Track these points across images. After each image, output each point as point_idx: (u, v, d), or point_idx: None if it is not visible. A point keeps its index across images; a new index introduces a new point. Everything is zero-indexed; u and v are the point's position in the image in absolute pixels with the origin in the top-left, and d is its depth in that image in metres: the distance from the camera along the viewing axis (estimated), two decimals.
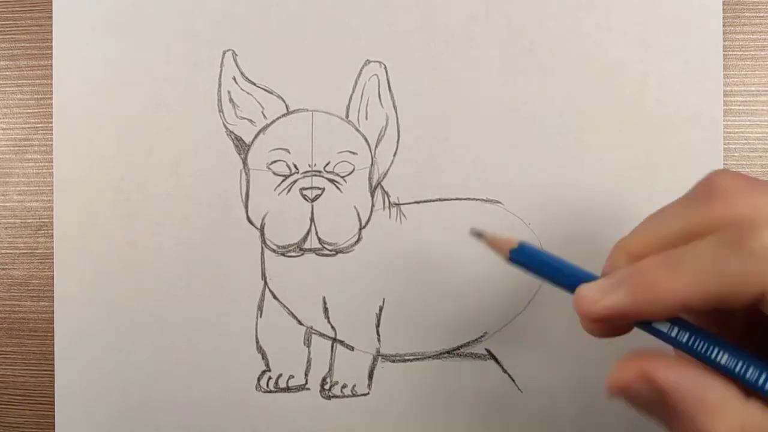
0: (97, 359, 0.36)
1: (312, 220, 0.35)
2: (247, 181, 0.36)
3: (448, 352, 0.36)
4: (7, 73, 0.38)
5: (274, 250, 0.36)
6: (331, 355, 0.36)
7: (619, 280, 0.22)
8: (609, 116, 0.36)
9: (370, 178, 0.36)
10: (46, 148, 0.37)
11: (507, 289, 0.36)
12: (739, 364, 0.21)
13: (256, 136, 0.36)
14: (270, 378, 0.36)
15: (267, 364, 0.36)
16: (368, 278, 0.36)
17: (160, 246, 0.36)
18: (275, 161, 0.36)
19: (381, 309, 0.36)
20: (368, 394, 0.36)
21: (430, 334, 0.36)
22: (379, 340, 0.36)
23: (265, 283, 0.36)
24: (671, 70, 0.35)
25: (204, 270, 0.36)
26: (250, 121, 0.36)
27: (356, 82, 0.36)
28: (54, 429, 0.37)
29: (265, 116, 0.36)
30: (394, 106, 0.36)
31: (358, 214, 0.36)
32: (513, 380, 0.36)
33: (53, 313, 0.37)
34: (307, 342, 0.36)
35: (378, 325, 0.36)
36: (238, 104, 0.36)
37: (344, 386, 0.36)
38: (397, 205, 0.36)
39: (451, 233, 0.36)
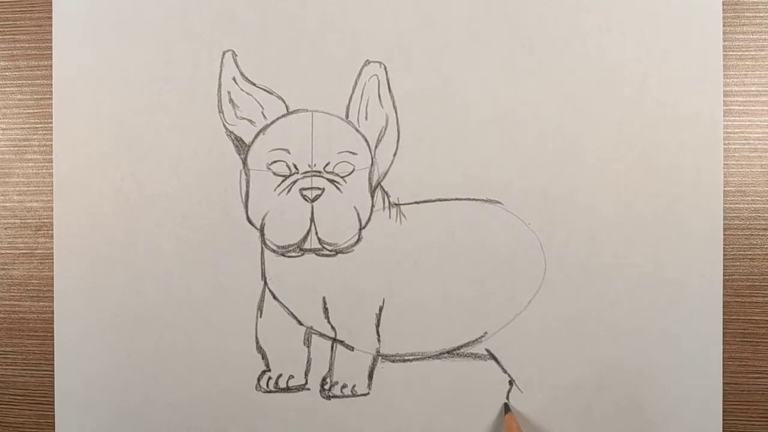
0: (97, 359, 0.37)
1: (312, 220, 0.35)
2: (247, 182, 0.36)
3: (448, 352, 0.36)
4: (7, 73, 0.38)
5: (274, 251, 0.36)
6: (331, 355, 0.36)
7: None
8: (609, 116, 0.35)
9: (370, 179, 0.36)
10: (46, 148, 0.37)
11: (507, 289, 0.36)
12: None
13: (256, 137, 0.36)
14: (270, 378, 0.36)
15: (267, 364, 0.36)
16: (368, 278, 0.36)
17: (160, 246, 0.36)
18: (275, 161, 0.36)
19: (381, 309, 0.36)
20: (368, 394, 0.36)
21: (430, 334, 0.36)
22: (379, 340, 0.36)
23: (265, 283, 0.36)
24: (671, 70, 0.35)
25: (204, 270, 0.36)
26: (250, 121, 0.36)
27: (356, 82, 0.36)
28: (54, 429, 0.37)
29: (265, 116, 0.36)
30: (394, 106, 0.36)
31: (358, 215, 0.36)
32: (513, 380, 0.36)
33: (53, 313, 0.37)
34: (307, 342, 0.36)
35: (378, 325, 0.36)
36: (238, 104, 0.36)
37: (344, 386, 0.36)
38: (397, 205, 0.36)
39: (451, 233, 0.36)
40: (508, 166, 0.36)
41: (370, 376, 0.36)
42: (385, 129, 0.36)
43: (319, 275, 0.36)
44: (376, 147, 0.36)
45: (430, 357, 0.36)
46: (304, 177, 0.36)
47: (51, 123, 0.37)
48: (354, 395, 0.36)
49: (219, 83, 0.36)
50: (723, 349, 0.35)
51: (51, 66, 0.37)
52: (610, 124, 0.35)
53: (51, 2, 0.37)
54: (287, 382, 0.36)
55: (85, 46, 0.37)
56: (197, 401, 0.36)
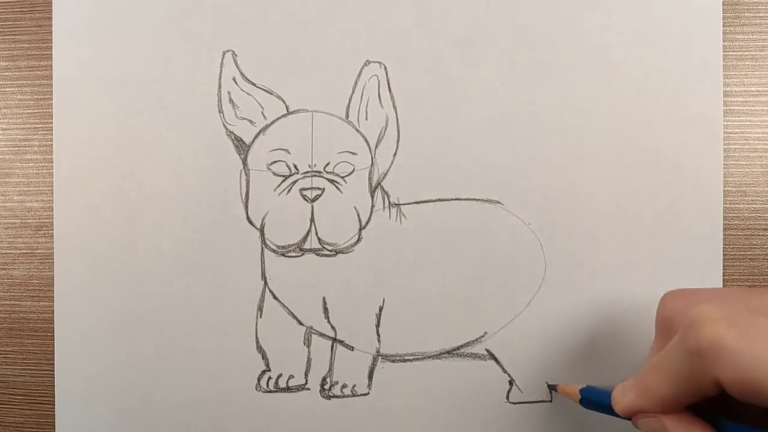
0: (97, 359, 0.37)
1: (312, 220, 0.35)
2: (247, 182, 0.36)
3: (448, 352, 0.36)
4: (7, 73, 0.38)
5: (274, 251, 0.36)
6: (331, 355, 0.36)
7: (631, 386, 0.28)
8: (609, 116, 0.36)
9: (370, 179, 0.36)
10: (46, 148, 0.37)
11: (507, 289, 0.36)
12: None
13: (256, 137, 0.36)
14: (270, 378, 0.36)
15: (267, 364, 0.36)
16: (368, 278, 0.36)
17: (160, 246, 0.36)
18: (275, 161, 0.36)
19: (381, 309, 0.36)
20: (368, 394, 0.36)
21: (430, 334, 0.36)
22: (379, 340, 0.36)
23: (265, 283, 0.36)
24: (671, 71, 0.35)
25: (204, 270, 0.36)
26: (250, 121, 0.36)
27: (356, 83, 0.36)
28: (54, 429, 0.37)
29: (265, 117, 0.36)
30: (394, 106, 0.36)
31: (358, 215, 0.36)
32: (513, 380, 0.36)
33: (53, 313, 0.37)
34: (307, 342, 0.36)
35: (378, 325, 0.36)
36: (238, 104, 0.36)
37: (344, 386, 0.36)
38: (397, 205, 0.36)
39: (451, 233, 0.36)
40: (508, 166, 0.36)
41: (370, 376, 0.36)
42: (385, 129, 0.36)
43: (319, 275, 0.36)
44: (376, 147, 0.36)
45: (430, 357, 0.36)
46: (304, 177, 0.36)
47: (51, 123, 0.37)
48: (354, 395, 0.36)
49: (219, 83, 0.36)
50: None
51: (51, 66, 0.37)
52: (610, 124, 0.35)
53: (51, 2, 0.37)
54: (287, 382, 0.36)
55: (85, 46, 0.37)
56: (197, 401, 0.36)
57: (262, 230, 0.36)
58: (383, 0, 0.36)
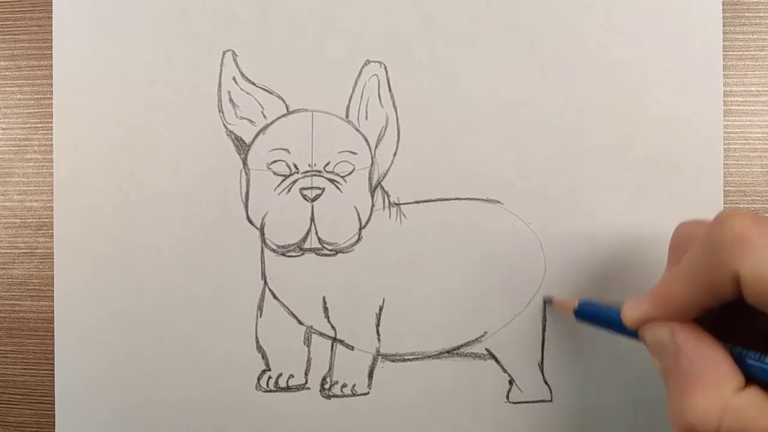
0: (97, 359, 0.36)
1: (312, 220, 0.35)
2: (247, 181, 0.36)
3: (448, 352, 0.36)
4: (7, 73, 0.38)
5: (274, 250, 0.36)
6: (331, 354, 0.36)
7: (646, 296, 0.27)
8: (609, 116, 0.36)
9: (370, 178, 0.36)
10: (46, 148, 0.37)
11: (507, 289, 0.36)
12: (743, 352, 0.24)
13: (256, 136, 0.36)
14: (270, 378, 0.36)
15: (267, 364, 0.36)
16: (368, 278, 0.36)
17: (160, 246, 0.36)
18: (275, 161, 0.36)
19: (381, 309, 0.36)
20: (368, 393, 0.36)
21: (430, 334, 0.36)
22: (379, 340, 0.36)
23: (265, 283, 0.36)
24: (671, 70, 0.35)
25: (204, 270, 0.36)
26: (250, 121, 0.36)
27: (356, 82, 0.36)
28: (54, 429, 0.37)
29: (265, 116, 0.36)
30: (394, 106, 0.36)
31: (358, 214, 0.36)
32: (513, 380, 0.36)
33: (53, 312, 0.37)
34: (307, 342, 0.36)
35: (378, 325, 0.36)
36: (238, 104, 0.36)
37: (344, 386, 0.36)
38: (397, 205, 0.36)
39: (451, 233, 0.36)
40: (508, 166, 0.36)
41: (370, 376, 0.36)
42: (385, 129, 0.36)
43: (319, 275, 0.36)
44: (376, 147, 0.36)
45: (430, 357, 0.36)
46: (304, 176, 0.36)
47: (51, 123, 0.37)
48: (354, 395, 0.36)
49: (219, 83, 0.36)
50: None
51: (51, 66, 0.37)
52: (610, 124, 0.36)
53: (51, 2, 0.37)
54: (287, 382, 0.36)
55: (85, 46, 0.37)
56: (197, 401, 0.36)
57: (262, 230, 0.36)
58: (383, 0, 0.36)
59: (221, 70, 0.36)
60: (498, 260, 0.36)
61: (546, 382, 0.36)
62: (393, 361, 0.36)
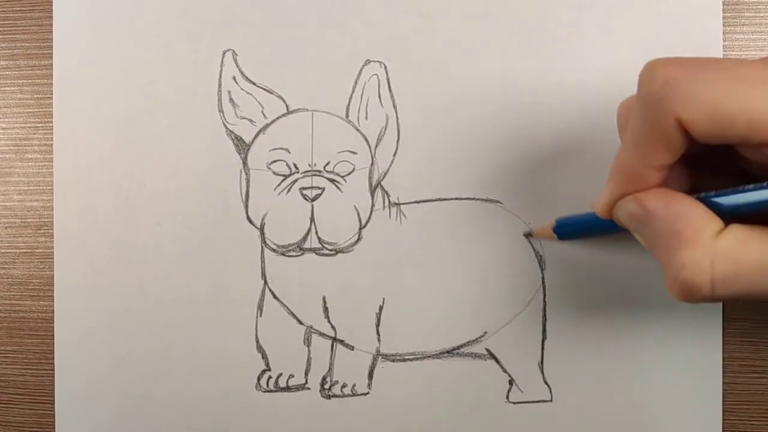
0: (97, 359, 0.37)
1: (312, 219, 0.35)
2: (247, 181, 0.36)
3: (448, 352, 0.36)
4: (7, 72, 0.38)
5: (274, 250, 0.36)
6: (331, 354, 0.36)
7: (608, 178, 0.27)
8: (609, 116, 0.35)
9: (370, 178, 0.36)
10: (46, 148, 0.37)
11: (507, 289, 0.36)
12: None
13: (256, 136, 0.36)
14: (270, 377, 0.36)
15: (267, 364, 0.36)
16: (368, 278, 0.36)
17: (160, 246, 0.36)
18: (275, 161, 0.36)
19: (381, 309, 0.36)
20: (368, 393, 0.36)
21: (430, 334, 0.36)
22: (379, 340, 0.36)
23: (265, 282, 0.36)
24: None
25: (204, 270, 0.36)
26: (250, 120, 0.36)
27: (356, 82, 0.36)
28: (54, 429, 0.37)
29: (265, 116, 0.36)
30: (394, 106, 0.36)
31: (358, 214, 0.36)
32: (513, 380, 0.36)
33: (53, 312, 0.37)
34: (307, 341, 0.36)
35: (378, 325, 0.36)
36: (238, 104, 0.36)
37: (344, 386, 0.36)
38: (397, 204, 0.36)
39: (451, 233, 0.36)
40: (508, 166, 0.36)
41: (370, 376, 0.36)
42: (385, 129, 0.36)
43: (319, 274, 0.36)
44: (376, 147, 0.36)
45: (430, 356, 0.36)
46: (304, 176, 0.36)
47: (51, 122, 0.37)
48: (354, 395, 0.36)
49: (219, 83, 0.36)
50: (723, 349, 0.35)
51: (51, 65, 0.37)
52: (610, 124, 0.35)
53: (51, 2, 0.37)
54: (287, 382, 0.36)
55: (85, 46, 0.37)
56: (197, 401, 0.36)
57: (262, 230, 0.36)
58: (383, 0, 0.36)
59: (221, 70, 0.36)
60: (498, 260, 0.36)
61: (546, 382, 0.36)
62: (393, 361, 0.36)
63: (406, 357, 0.36)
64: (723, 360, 0.35)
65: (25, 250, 0.38)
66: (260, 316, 0.36)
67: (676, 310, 0.35)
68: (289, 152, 0.36)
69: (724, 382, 0.35)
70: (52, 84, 0.37)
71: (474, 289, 0.36)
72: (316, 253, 0.36)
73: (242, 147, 0.36)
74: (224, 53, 0.36)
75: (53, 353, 0.37)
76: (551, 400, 0.36)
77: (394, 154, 0.36)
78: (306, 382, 0.36)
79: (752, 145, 0.23)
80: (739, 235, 0.23)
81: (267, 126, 0.36)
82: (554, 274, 0.35)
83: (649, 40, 0.35)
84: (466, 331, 0.36)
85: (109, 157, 0.37)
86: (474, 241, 0.36)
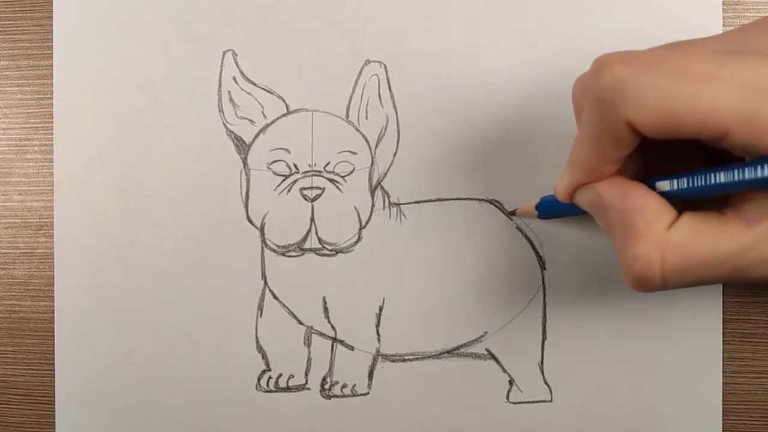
0: (97, 359, 0.37)
1: (312, 220, 0.35)
2: (247, 181, 0.36)
3: (448, 352, 0.36)
4: (7, 73, 0.38)
5: (274, 250, 0.36)
6: (331, 354, 0.36)
7: (566, 165, 0.27)
8: None
9: (370, 178, 0.36)
10: (46, 148, 0.37)
11: (507, 289, 0.36)
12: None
13: (256, 136, 0.36)
14: (270, 378, 0.36)
15: (267, 364, 0.36)
16: (368, 278, 0.36)
17: (160, 246, 0.36)
18: (275, 161, 0.36)
19: (381, 309, 0.36)
20: (368, 393, 0.36)
21: (430, 334, 0.36)
22: (379, 340, 0.36)
23: (265, 283, 0.36)
24: None
25: (204, 270, 0.36)
26: (250, 121, 0.36)
27: (356, 82, 0.36)
28: (54, 429, 0.37)
29: (265, 116, 0.36)
30: (394, 106, 0.36)
31: (358, 214, 0.36)
32: (513, 380, 0.36)
33: (53, 312, 0.37)
34: (307, 342, 0.36)
35: (378, 325, 0.36)
36: (238, 104, 0.36)
37: (344, 386, 0.36)
38: (397, 205, 0.36)
39: (451, 233, 0.36)
40: (508, 166, 0.36)
41: (370, 376, 0.36)
42: (385, 129, 0.36)
43: (320, 275, 0.36)
44: (376, 147, 0.36)
45: (430, 357, 0.36)
46: (304, 176, 0.36)
47: (51, 123, 0.37)
48: (354, 395, 0.36)
49: (219, 83, 0.36)
50: (723, 349, 0.35)
51: (51, 66, 0.37)
52: None
53: (51, 2, 0.37)
54: (287, 382, 0.36)
55: (85, 46, 0.37)
56: (197, 401, 0.36)
57: (262, 230, 0.36)
58: (383, 0, 0.36)
59: (221, 70, 0.36)
60: (498, 260, 0.36)
61: (546, 382, 0.36)
62: (393, 361, 0.36)
63: (406, 357, 0.36)
64: (723, 360, 0.35)
65: (25, 251, 0.38)
66: (260, 316, 0.36)
67: (676, 310, 0.35)
68: (289, 152, 0.36)
69: (724, 382, 0.35)
70: (52, 84, 0.37)
71: (474, 289, 0.36)
72: (316, 254, 0.36)
73: (242, 147, 0.36)
74: (224, 53, 0.36)
75: (53, 354, 0.37)
76: (551, 400, 0.36)
77: (394, 154, 0.36)
78: (306, 383, 0.36)
79: (704, 140, 0.23)
80: (690, 226, 0.24)
81: (267, 126, 0.36)
82: (554, 274, 0.35)
83: (649, 40, 0.35)
84: (466, 331, 0.36)
85: (109, 157, 0.37)
86: (474, 241, 0.36)
